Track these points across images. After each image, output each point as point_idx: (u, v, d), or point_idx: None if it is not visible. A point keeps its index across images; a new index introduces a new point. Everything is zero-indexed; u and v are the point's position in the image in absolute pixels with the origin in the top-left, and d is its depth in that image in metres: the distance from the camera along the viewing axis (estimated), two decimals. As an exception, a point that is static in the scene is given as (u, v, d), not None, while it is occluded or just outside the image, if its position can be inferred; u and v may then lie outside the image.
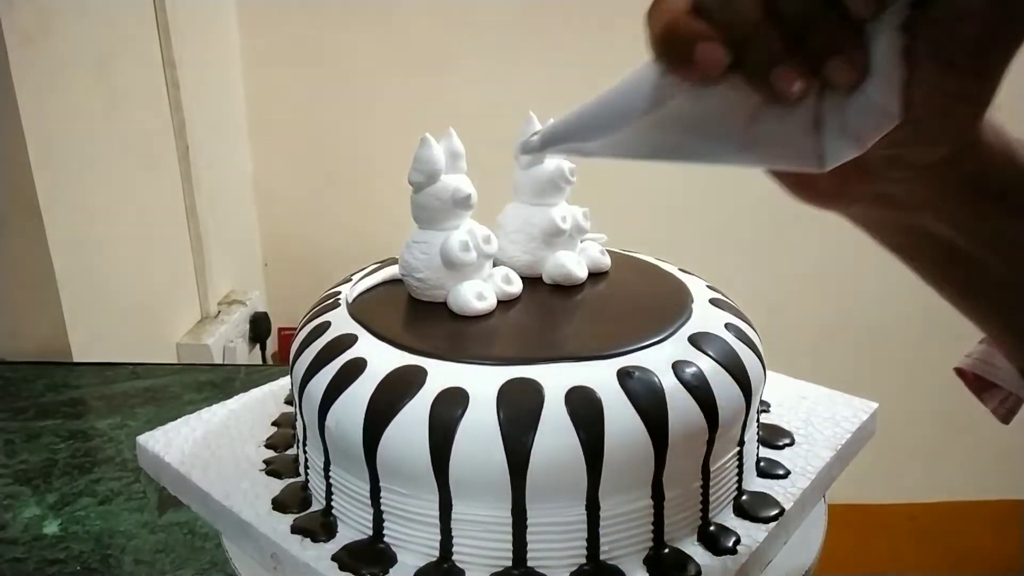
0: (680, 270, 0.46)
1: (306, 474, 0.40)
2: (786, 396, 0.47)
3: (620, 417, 0.33)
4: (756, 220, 1.28)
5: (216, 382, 0.78)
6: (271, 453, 0.44)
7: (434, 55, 1.24)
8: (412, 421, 0.33)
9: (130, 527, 0.57)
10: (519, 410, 0.32)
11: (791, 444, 0.42)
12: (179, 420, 0.47)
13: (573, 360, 0.35)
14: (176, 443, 0.45)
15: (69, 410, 0.74)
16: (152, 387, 0.77)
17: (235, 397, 0.50)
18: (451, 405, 0.33)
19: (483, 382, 0.33)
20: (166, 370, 0.82)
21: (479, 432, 0.32)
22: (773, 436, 0.43)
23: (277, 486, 0.41)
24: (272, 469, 0.42)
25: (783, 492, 0.39)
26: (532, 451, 0.32)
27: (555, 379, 0.33)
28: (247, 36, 1.25)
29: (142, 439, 0.46)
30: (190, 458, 0.43)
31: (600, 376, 0.34)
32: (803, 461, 0.41)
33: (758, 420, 0.41)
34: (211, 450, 0.44)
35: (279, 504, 0.39)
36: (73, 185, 0.84)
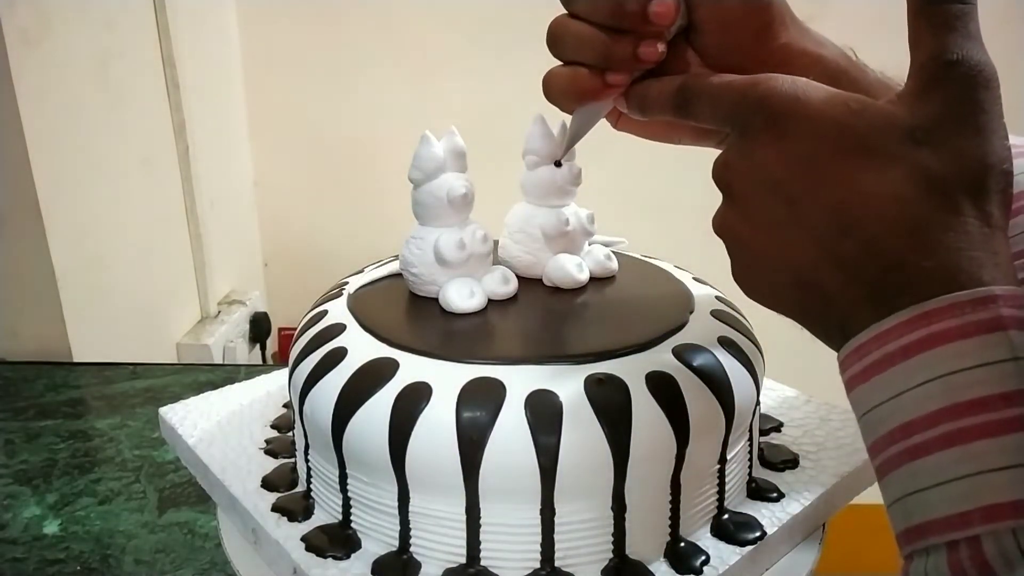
0: (694, 279, 0.45)
1: (295, 456, 0.42)
2: (807, 416, 0.46)
3: (579, 423, 0.32)
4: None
5: (216, 382, 0.78)
6: (275, 434, 0.45)
7: (435, 55, 1.24)
8: (376, 412, 0.34)
9: (130, 527, 0.57)
10: (477, 409, 0.32)
11: (794, 467, 0.41)
12: (199, 396, 0.50)
13: (545, 363, 0.34)
14: (191, 417, 0.47)
15: (69, 410, 0.74)
16: (152, 387, 0.78)
17: (258, 377, 0.52)
18: (414, 399, 0.33)
19: (449, 379, 0.33)
20: (166, 370, 0.82)
21: (436, 428, 0.32)
22: (776, 457, 0.42)
23: (271, 465, 0.42)
24: (270, 449, 0.44)
25: (770, 516, 0.37)
26: (486, 451, 0.32)
27: (520, 381, 0.33)
28: (247, 36, 1.25)
29: (163, 411, 0.48)
30: (200, 432, 0.46)
31: (567, 381, 0.33)
32: (802, 486, 0.40)
33: (750, 438, 0.40)
34: (221, 426, 0.46)
35: (267, 483, 0.40)
36: (73, 185, 0.84)
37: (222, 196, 1.18)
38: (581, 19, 0.33)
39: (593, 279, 0.44)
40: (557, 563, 0.34)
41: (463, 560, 0.34)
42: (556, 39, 0.34)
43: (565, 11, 0.33)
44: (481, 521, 0.33)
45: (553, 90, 0.35)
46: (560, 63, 0.34)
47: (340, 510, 0.37)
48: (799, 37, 0.33)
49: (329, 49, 1.25)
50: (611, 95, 0.34)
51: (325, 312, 0.41)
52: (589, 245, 0.45)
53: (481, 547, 0.34)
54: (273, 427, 0.46)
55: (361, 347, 0.37)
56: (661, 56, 0.32)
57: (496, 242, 0.44)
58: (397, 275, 0.43)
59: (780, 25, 0.33)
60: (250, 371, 0.83)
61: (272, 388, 0.51)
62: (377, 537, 0.35)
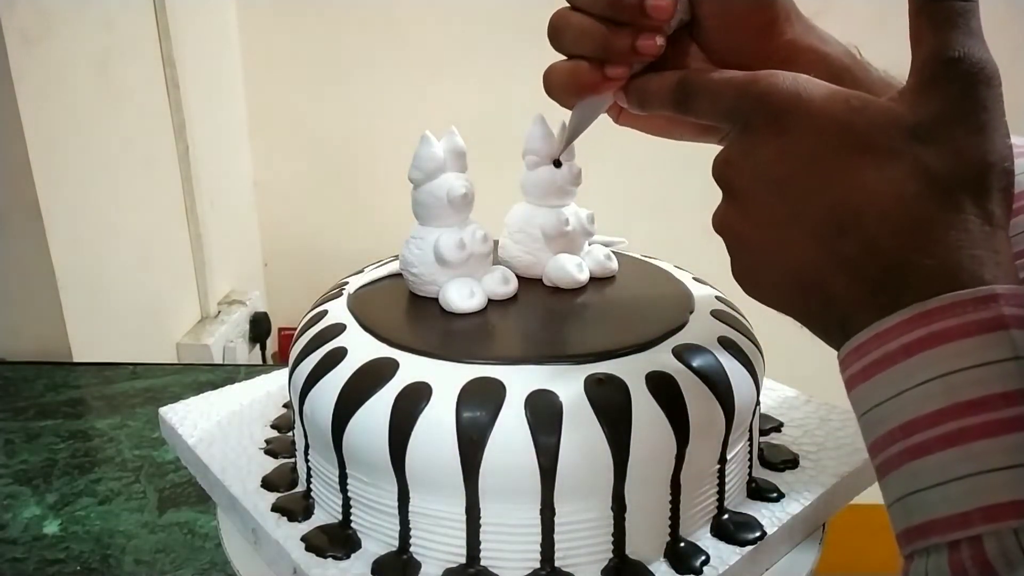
0: (694, 279, 0.45)
1: (295, 456, 0.42)
2: (807, 416, 0.46)
3: (579, 424, 0.32)
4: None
5: (216, 382, 0.78)
6: (275, 434, 0.45)
7: (435, 55, 1.24)
8: (376, 412, 0.34)
9: (130, 527, 0.57)
10: (477, 409, 0.32)
11: (794, 467, 0.41)
12: (199, 396, 0.50)
13: (545, 363, 0.34)
14: (191, 417, 0.47)
15: (69, 410, 0.74)
16: (152, 387, 0.77)
17: (258, 377, 0.52)
18: (414, 399, 0.33)
19: (449, 379, 0.33)
20: (166, 370, 0.82)
21: (436, 428, 0.32)
22: (776, 457, 0.42)
23: (271, 465, 0.42)
24: (270, 449, 0.44)
25: (770, 516, 0.37)
26: (486, 451, 0.32)
27: (520, 381, 0.33)
28: (247, 36, 1.25)
29: (163, 411, 0.48)
30: (200, 432, 0.46)
31: (567, 381, 0.33)
32: (802, 486, 0.39)
33: (750, 438, 0.40)
34: (221, 426, 0.46)
35: (267, 483, 0.40)
36: (73, 185, 0.84)
37: (222, 196, 1.18)
38: (582, 11, 0.33)
39: (593, 279, 0.44)
40: (557, 563, 0.34)
41: (463, 560, 0.34)
42: (557, 31, 0.34)
43: (567, 4, 0.33)
44: (481, 521, 0.33)
45: (553, 84, 0.35)
46: (561, 58, 0.34)
47: (340, 510, 0.37)
48: (804, 34, 0.33)
49: (329, 49, 1.25)
50: (611, 89, 0.34)
51: (325, 312, 0.41)
52: (589, 245, 0.45)
53: (481, 547, 0.34)
54: (273, 427, 0.46)
55: (361, 347, 0.36)
56: (660, 50, 0.32)
57: (496, 242, 0.44)
58: (397, 275, 0.43)
59: (785, 22, 0.33)
60: (250, 371, 0.83)
61: (272, 388, 0.51)
62: (377, 537, 0.35)
